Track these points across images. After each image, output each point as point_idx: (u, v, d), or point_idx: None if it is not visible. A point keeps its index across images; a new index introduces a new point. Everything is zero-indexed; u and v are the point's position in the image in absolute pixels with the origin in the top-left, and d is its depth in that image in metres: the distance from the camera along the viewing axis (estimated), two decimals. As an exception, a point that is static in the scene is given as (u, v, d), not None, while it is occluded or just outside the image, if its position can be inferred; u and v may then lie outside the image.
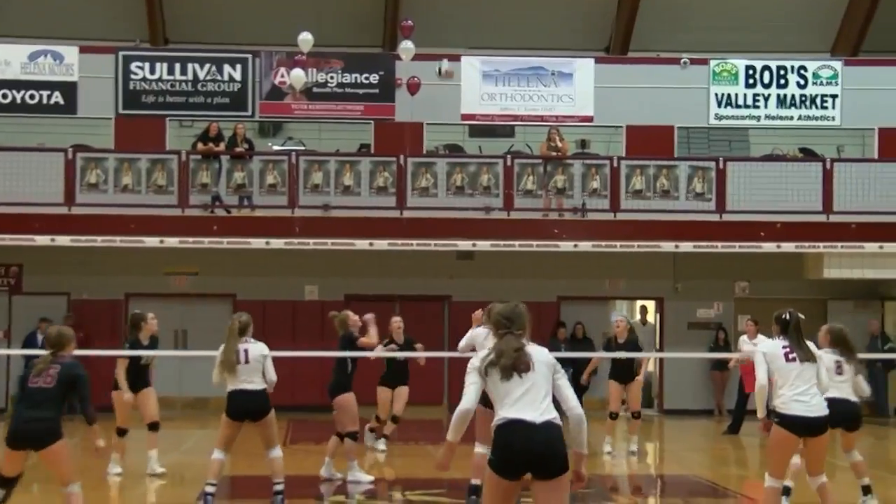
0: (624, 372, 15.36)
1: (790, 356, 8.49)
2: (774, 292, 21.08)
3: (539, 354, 6.37)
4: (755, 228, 19.71)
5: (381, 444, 14.93)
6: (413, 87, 21.40)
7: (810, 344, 8.76)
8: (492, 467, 6.20)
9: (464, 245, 19.90)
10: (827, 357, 9.70)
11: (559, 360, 14.45)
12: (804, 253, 20.34)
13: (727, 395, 20.65)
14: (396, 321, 15.18)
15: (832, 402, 9.83)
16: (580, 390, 15.87)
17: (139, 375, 12.55)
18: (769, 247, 19.67)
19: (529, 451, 6.07)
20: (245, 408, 10.28)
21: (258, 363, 10.36)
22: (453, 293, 21.67)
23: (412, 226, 19.62)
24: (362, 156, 21.43)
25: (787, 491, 10.16)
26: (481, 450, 10.05)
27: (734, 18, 23.55)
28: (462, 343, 11.15)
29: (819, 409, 8.45)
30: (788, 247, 19.62)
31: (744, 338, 18.54)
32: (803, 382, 8.45)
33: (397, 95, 21.99)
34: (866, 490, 10.28)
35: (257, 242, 19.32)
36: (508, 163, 20.83)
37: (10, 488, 8.61)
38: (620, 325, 15.46)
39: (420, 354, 15.09)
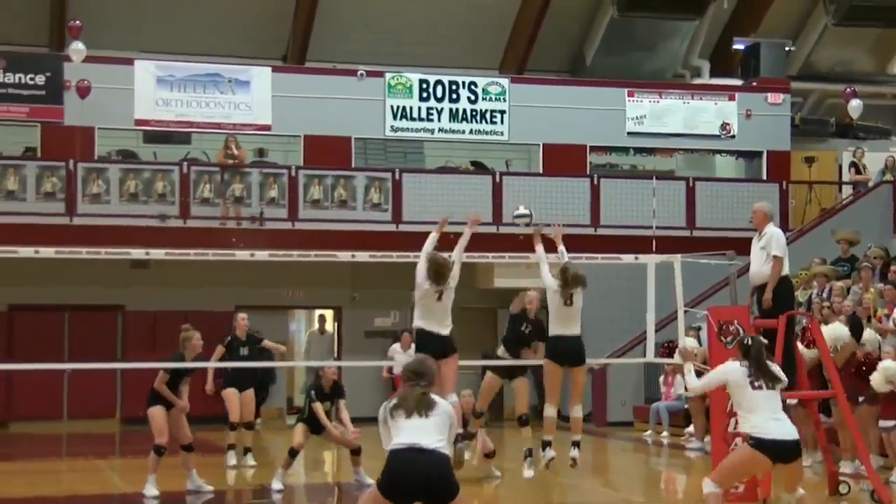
0: None
1: (755, 384, 8.21)
2: (447, 301, 21.65)
3: (442, 403, 6.74)
4: (429, 238, 20.18)
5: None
6: (83, 91, 20.62)
7: (774, 366, 8.46)
8: (379, 488, 6.34)
9: (137, 253, 19.16)
10: None
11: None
12: (476, 263, 21.01)
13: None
14: (242, 317, 14.68)
15: None
16: None
17: None
18: (442, 256, 20.17)
19: (422, 476, 6.31)
20: None
21: None
22: (127, 303, 21.01)
23: (82, 233, 18.83)
24: (28, 159, 20.42)
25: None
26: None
27: (408, 33, 24.13)
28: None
29: (792, 432, 8.20)
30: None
31: (395, 346, 19.14)
32: (770, 409, 8.18)
33: (66, 98, 21.08)
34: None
35: None
36: (184, 170, 20.45)
37: None
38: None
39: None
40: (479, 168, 23.27)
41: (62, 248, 15.61)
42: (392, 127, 22.90)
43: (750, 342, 8.39)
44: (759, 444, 8.09)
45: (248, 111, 22.12)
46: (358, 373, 20.86)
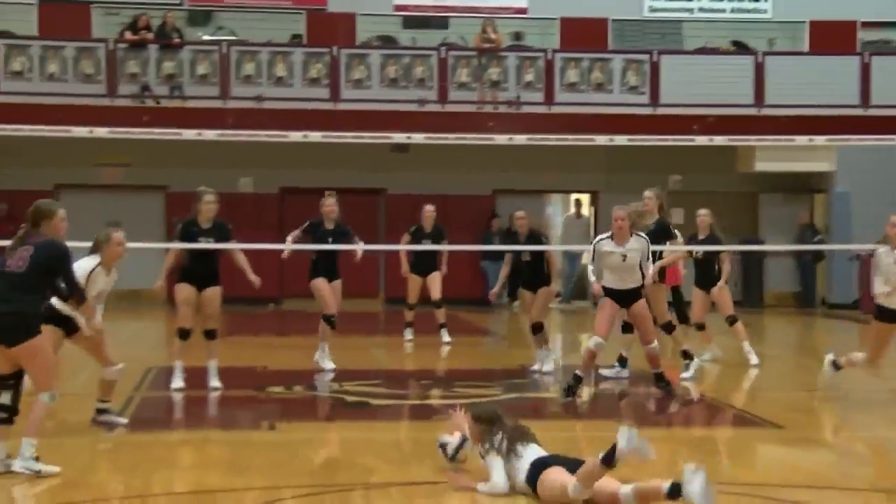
0: (705, 277, 13.04)
1: None
2: (707, 185, 21.27)
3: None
4: (688, 122, 19.82)
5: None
6: (345, -23, 21.10)
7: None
8: None
9: (398, 138, 19.79)
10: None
11: (492, 253, 14.45)
12: (736, 146, 20.54)
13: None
14: (429, 209, 15.05)
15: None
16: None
17: None
18: (702, 140, 19.81)
19: None
20: None
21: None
22: (389, 186, 21.62)
23: (346, 118, 19.46)
24: (294, 46, 21.08)
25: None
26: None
27: None
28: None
29: None
30: (720, 140, 19.77)
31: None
32: None
33: (329, -15, 21.66)
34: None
35: (189, 133, 19.09)
36: (443, 55, 20.66)
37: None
38: (703, 220, 13.10)
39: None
40: (740, 48, 22.48)
41: (329, 133, 16.31)
42: (650, 7, 22.41)
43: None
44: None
45: (505, -6, 22.08)
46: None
